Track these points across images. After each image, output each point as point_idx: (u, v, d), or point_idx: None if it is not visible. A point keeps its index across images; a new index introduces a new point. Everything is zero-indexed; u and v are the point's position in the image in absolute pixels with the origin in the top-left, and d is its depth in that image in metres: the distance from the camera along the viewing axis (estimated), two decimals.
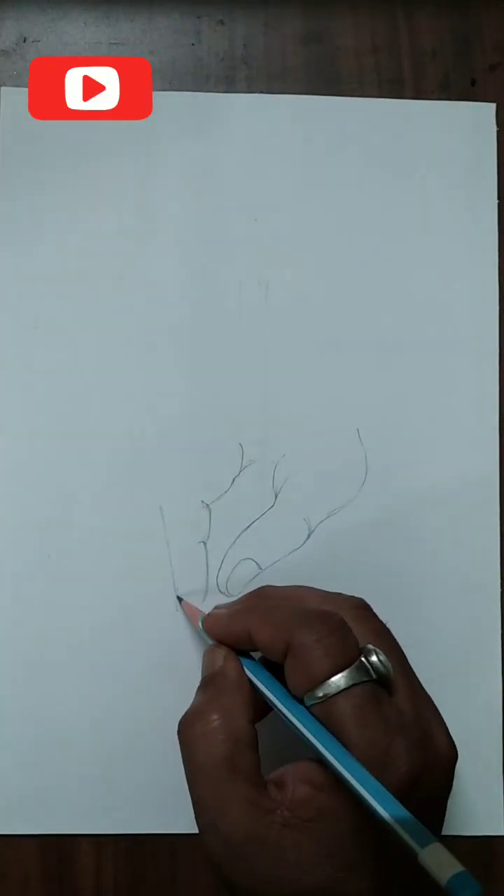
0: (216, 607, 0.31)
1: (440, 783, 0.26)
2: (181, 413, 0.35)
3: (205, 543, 0.34)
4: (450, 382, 0.36)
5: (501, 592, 0.35)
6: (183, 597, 0.34)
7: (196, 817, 0.26)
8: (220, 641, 0.29)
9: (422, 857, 0.20)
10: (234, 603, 0.30)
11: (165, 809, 0.33)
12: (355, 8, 0.37)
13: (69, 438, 0.34)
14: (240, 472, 0.35)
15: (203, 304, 0.35)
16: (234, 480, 0.35)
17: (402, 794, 0.23)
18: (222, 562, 0.34)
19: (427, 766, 0.25)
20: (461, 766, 0.34)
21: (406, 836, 0.21)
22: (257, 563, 0.34)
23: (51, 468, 0.34)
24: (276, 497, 0.35)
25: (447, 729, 0.27)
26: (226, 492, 0.35)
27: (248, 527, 0.34)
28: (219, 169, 0.36)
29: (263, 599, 0.29)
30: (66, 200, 0.35)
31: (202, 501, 0.34)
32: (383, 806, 0.22)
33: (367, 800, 0.22)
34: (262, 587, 0.30)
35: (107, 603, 0.34)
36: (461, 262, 0.36)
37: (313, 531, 0.35)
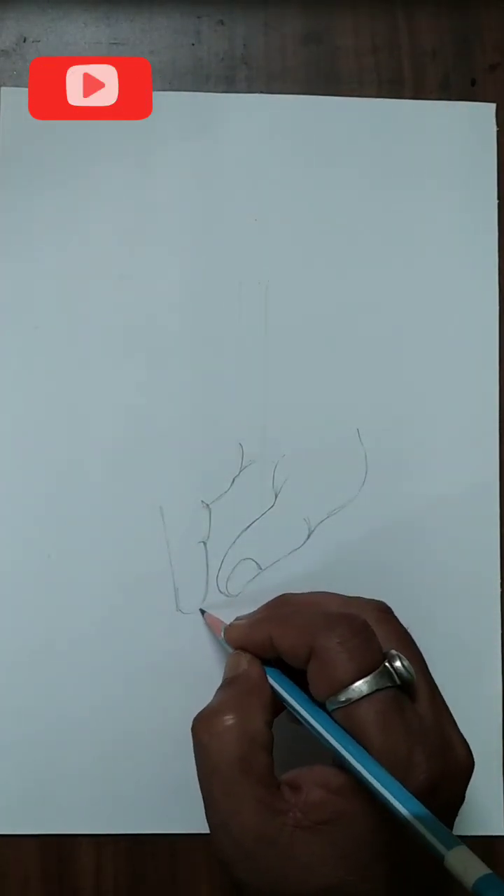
0: (237, 618, 0.31)
1: (457, 792, 0.26)
2: (181, 413, 0.35)
3: (205, 543, 0.34)
4: (450, 382, 0.36)
5: (501, 592, 0.35)
6: (205, 609, 0.34)
7: (207, 815, 0.26)
8: (243, 650, 0.29)
9: (448, 860, 0.21)
10: (254, 612, 0.30)
11: (166, 809, 0.33)
12: (355, 8, 0.37)
13: (69, 438, 0.34)
14: (240, 472, 0.35)
15: (203, 305, 0.35)
16: (234, 480, 0.35)
17: (423, 801, 0.23)
18: (222, 562, 0.34)
19: (445, 774, 0.25)
20: None
21: (432, 839, 0.21)
22: (257, 563, 0.34)
23: (50, 468, 0.34)
24: (276, 497, 0.35)
25: (464, 739, 0.27)
26: (226, 492, 0.35)
27: (248, 527, 0.34)
28: (219, 169, 0.36)
29: (283, 606, 0.29)
30: (66, 200, 0.36)
31: (202, 501, 0.35)
32: (408, 809, 0.22)
33: (391, 803, 0.22)
34: (282, 595, 0.30)
35: (107, 603, 0.34)
36: (461, 262, 0.36)
37: (313, 531, 0.35)
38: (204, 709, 0.27)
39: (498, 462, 0.35)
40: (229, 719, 0.26)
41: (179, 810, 0.33)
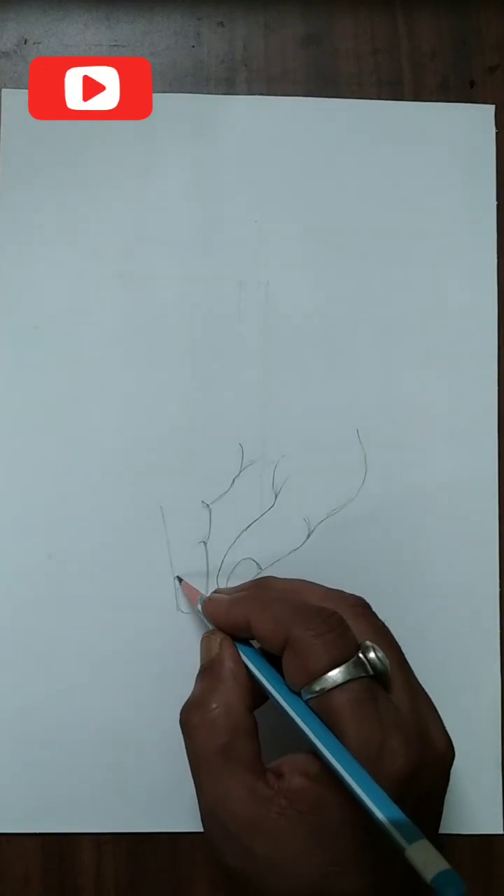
0: (216, 590, 0.31)
1: (437, 781, 0.26)
2: (181, 413, 0.35)
3: (205, 543, 0.34)
4: (449, 383, 0.36)
5: (501, 592, 0.35)
6: (183, 577, 0.34)
7: (198, 802, 0.27)
8: (219, 627, 0.29)
9: (408, 854, 0.21)
10: (235, 589, 0.30)
11: (166, 808, 0.33)
12: (355, 10, 0.37)
13: (69, 438, 0.35)
14: (240, 472, 0.35)
15: (203, 305, 0.35)
16: (234, 480, 0.35)
17: (398, 790, 0.23)
18: (222, 562, 0.34)
19: (423, 763, 0.25)
20: (460, 766, 0.34)
21: (393, 832, 0.21)
22: (257, 563, 0.34)
23: (51, 468, 0.34)
24: (276, 497, 0.35)
25: (444, 727, 0.27)
26: (226, 492, 0.35)
27: (248, 527, 0.35)
28: (219, 170, 0.36)
29: (265, 590, 0.29)
30: (67, 201, 0.36)
31: (202, 501, 0.35)
32: (372, 800, 0.22)
33: (356, 792, 0.22)
34: (264, 577, 0.30)
35: (107, 603, 0.34)
36: (460, 263, 0.36)
37: (313, 531, 0.35)
38: (187, 700, 0.28)
39: (497, 462, 0.36)
40: (211, 709, 0.27)
41: (180, 809, 0.33)
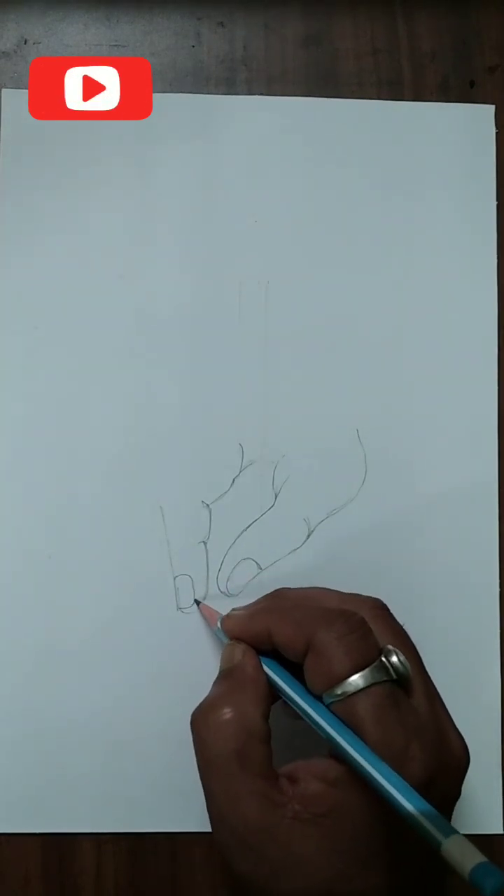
0: (234, 609, 0.31)
1: (453, 786, 0.26)
2: (181, 413, 0.35)
3: (205, 543, 0.34)
4: (449, 383, 0.36)
5: (501, 592, 0.35)
6: (201, 600, 0.34)
7: (207, 808, 0.26)
8: (239, 641, 0.29)
9: (445, 848, 0.21)
10: (252, 604, 0.30)
11: (166, 808, 0.33)
12: (355, 10, 0.37)
13: (69, 438, 0.35)
14: (240, 472, 0.35)
15: (203, 305, 0.35)
16: (234, 480, 0.35)
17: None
18: (222, 562, 0.34)
19: (442, 768, 0.25)
20: None
21: (430, 827, 0.21)
22: (257, 563, 0.34)
23: (51, 468, 0.34)
24: (276, 497, 0.35)
25: (460, 733, 0.27)
26: (226, 492, 0.35)
27: (248, 527, 0.35)
28: (219, 170, 0.36)
29: (282, 600, 0.29)
30: (67, 201, 0.36)
31: (202, 501, 0.35)
32: (406, 798, 0.22)
33: (389, 792, 0.23)
34: (279, 589, 0.30)
35: (107, 603, 0.34)
36: (460, 263, 0.36)
37: (313, 531, 0.35)
38: (201, 702, 0.28)
39: (497, 462, 0.36)
40: (226, 713, 0.26)
41: (180, 809, 0.33)
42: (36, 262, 0.35)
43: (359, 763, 0.24)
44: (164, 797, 0.33)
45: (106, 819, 0.33)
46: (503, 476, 0.36)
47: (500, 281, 0.36)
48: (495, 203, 0.37)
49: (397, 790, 0.22)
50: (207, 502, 0.35)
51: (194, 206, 0.36)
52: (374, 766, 0.23)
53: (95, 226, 0.36)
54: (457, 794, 0.26)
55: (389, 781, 0.23)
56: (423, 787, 0.24)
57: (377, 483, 0.35)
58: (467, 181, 0.37)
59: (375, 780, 0.23)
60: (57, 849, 0.33)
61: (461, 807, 0.34)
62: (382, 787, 0.23)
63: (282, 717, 0.28)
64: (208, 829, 0.33)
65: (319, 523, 0.35)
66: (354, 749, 0.24)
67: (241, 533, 0.34)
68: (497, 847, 0.34)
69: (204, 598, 0.34)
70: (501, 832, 0.34)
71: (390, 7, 0.37)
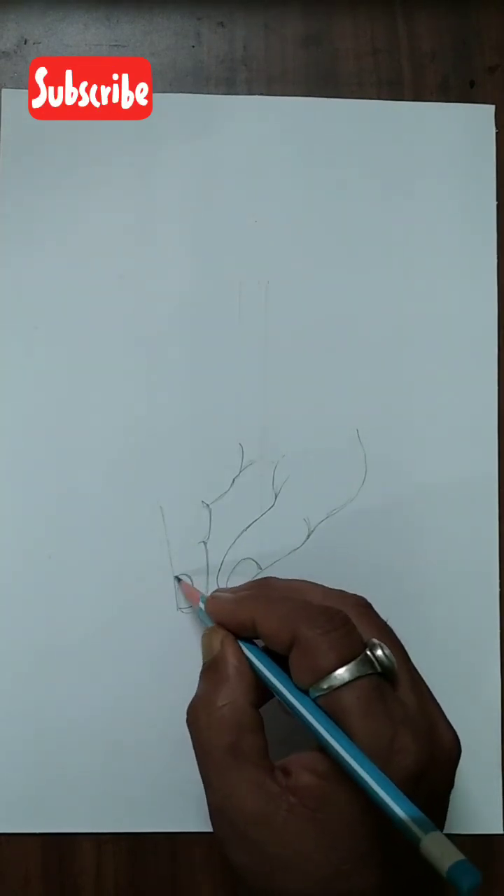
0: (217, 590, 0.31)
1: (444, 777, 0.26)
2: (181, 413, 0.35)
3: (205, 543, 0.34)
4: (449, 383, 0.36)
5: (501, 592, 0.35)
6: (181, 577, 0.34)
7: (207, 801, 0.27)
8: (224, 626, 0.29)
9: (423, 845, 0.21)
10: (237, 589, 0.30)
11: (166, 808, 0.33)
12: (355, 10, 0.37)
13: (69, 438, 0.35)
14: (240, 472, 0.35)
15: (203, 305, 0.35)
16: (234, 480, 0.35)
17: (409, 787, 0.23)
18: (222, 562, 0.34)
19: (432, 759, 0.25)
20: (460, 765, 0.34)
21: (408, 824, 0.21)
22: (257, 563, 0.34)
23: (51, 468, 0.34)
24: (276, 497, 0.35)
25: (450, 724, 0.27)
26: (226, 492, 0.35)
27: (248, 527, 0.35)
28: (219, 170, 0.36)
29: (268, 590, 0.29)
30: (67, 200, 0.36)
31: (202, 501, 0.35)
32: (386, 793, 0.22)
33: (369, 787, 0.22)
34: (266, 578, 0.30)
35: (107, 603, 0.34)
36: (460, 263, 0.36)
37: (313, 531, 0.35)
38: (192, 699, 0.28)
39: (497, 462, 0.36)
40: (217, 708, 0.27)
41: (180, 809, 0.33)
42: (36, 262, 0.35)
43: (340, 755, 0.24)
44: (164, 797, 0.33)
45: (106, 819, 0.33)
46: (503, 476, 0.36)
47: (500, 281, 0.36)
48: (495, 203, 0.37)
49: (377, 784, 0.22)
50: (207, 502, 0.35)
51: (194, 207, 0.36)
52: (354, 758, 0.23)
53: (95, 226, 0.36)
54: (449, 785, 0.26)
55: (369, 775, 0.23)
56: (413, 779, 0.24)
57: (377, 483, 0.35)
58: (467, 181, 0.37)
59: (356, 772, 0.23)
60: (57, 849, 0.33)
61: (461, 807, 0.34)
62: (363, 779, 0.23)
63: (278, 713, 0.28)
64: (208, 829, 0.33)
65: (319, 523, 0.35)
66: (336, 741, 0.24)
67: (241, 533, 0.34)
68: (497, 847, 0.34)
69: None
70: (501, 832, 0.34)
71: (390, 7, 0.37)
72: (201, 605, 0.31)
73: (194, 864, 0.33)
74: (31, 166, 0.36)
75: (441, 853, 0.20)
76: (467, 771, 0.34)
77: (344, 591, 0.29)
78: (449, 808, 0.34)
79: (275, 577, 0.30)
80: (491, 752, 0.34)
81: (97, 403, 0.35)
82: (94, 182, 0.36)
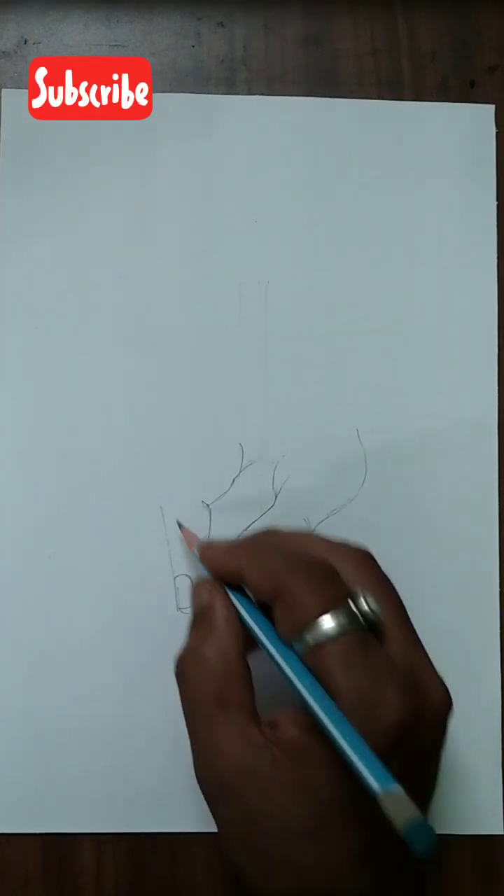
0: (215, 540, 0.31)
1: (433, 734, 0.26)
2: (181, 413, 0.35)
3: None
4: (449, 383, 0.36)
5: (501, 592, 0.35)
6: (183, 523, 0.34)
7: (192, 752, 0.27)
8: (214, 574, 0.29)
9: (380, 800, 0.21)
10: (234, 539, 0.30)
11: (166, 808, 0.33)
12: (355, 10, 0.37)
13: (69, 439, 0.35)
14: (240, 472, 0.35)
15: (203, 305, 0.35)
16: (234, 480, 0.35)
17: (393, 741, 0.23)
18: None
19: (419, 714, 0.25)
20: (460, 766, 0.34)
21: (368, 777, 0.21)
22: None
23: (51, 468, 0.34)
24: (276, 497, 0.35)
25: (442, 680, 0.26)
26: (226, 492, 0.35)
27: (249, 527, 0.34)
28: (219, 170, 0.36)
29: (260, 540, 0.29)
30: (66, 200, 0.36)
31: (202, 501, 0.35)
32: (350, 746, 0.22)
33: (334, 737, 0.22)
34: (268, 527, 0.30)
35: (107, 603, 0.34)
36: (460, 263, 0.36)
37: (313, 531, 0.35)
38: (180, 650, 0.28)
39: (497, 463, 0.36)
40: (204, 657, 0.27)
41: (180, 809, 0.33)
42: (36, 262, 0.35)
43: (311, 707, 0.23)
44: (164, 797, 0.33)
45: (106, 819, 0.33)
46: (503, 476, 0.36)
47: (500, 281, 0.36)
48: (495, 203, 0.37)
49: (343, 737, 0.22)
50: (207, 502, 0.35)
51: (194, 207, 0.36)
52: (324, 711, 0.23)
53: (95, 226, 0.36)
54: (439, 742, 0.26)
55: (336, 728, 0.22)
56: (396, 734, 0.24)
57: (377, 483, 0.35)
58: (467, 181, 0.37)
59: (325, 724, 0.23)
60: (57, 849, 0.33)
61: (461, 807, 0.34)
62: (330, 732, 0.23)
63: (267, 665, 0.28)
64: (208, 829, 0.33)
65: (319, 523, 0.35)
66: (309, 694, 0.24)
67: (241, 533, 0.34)
68: (497, 847, 0.34)
69: None
70: (501, 832, 0.34)
71: (390, 7, 0.37)
72: (196, 550, 0.31)
73: (194, 864, 0.33)
74: (31, 166, 0.36)
75: (397, 810, 0.20)
76: (468, 772, 0.34)
77: (347, 543, 0.28)
78: (449, 809, 0.34)
79: (279, 529, 0.30)
80: (491, 752, 0.34)
81: (97, 403, 0.35)
82: (94, 182, 0.36)
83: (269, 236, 0.36)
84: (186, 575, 0.34)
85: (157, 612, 0.34)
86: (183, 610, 0.34)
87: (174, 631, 0.34)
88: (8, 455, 0.34)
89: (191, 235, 0.36)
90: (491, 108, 0.37)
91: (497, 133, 0.37)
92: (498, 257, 0.36)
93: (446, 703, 0.26)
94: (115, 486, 0.34)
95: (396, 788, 0.21)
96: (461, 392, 0.36)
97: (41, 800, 0.33)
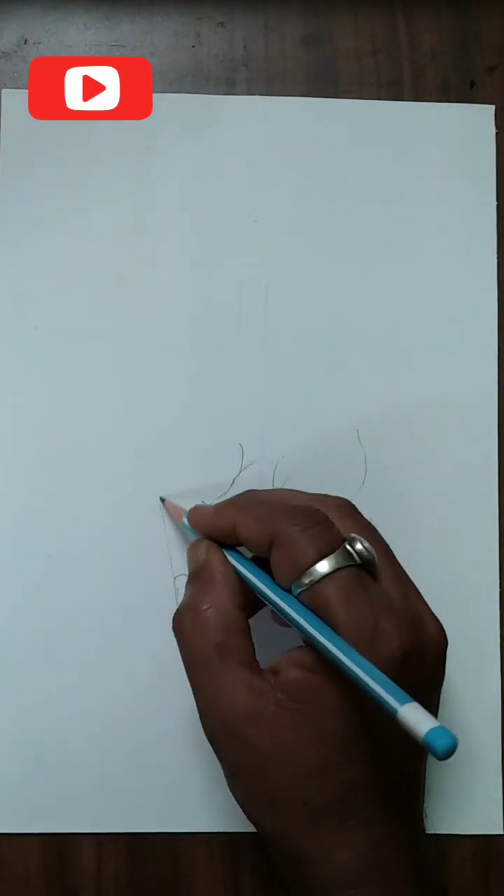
0: (200, 503, 0.31)
1: (431, 668, 0.26)
2: (181, 413, 0.35)
3: None
4: (449, 383, 0.36)
5: (501, 592, 0.35)
6: (166, 498, 0.34)
7: (196, 704, 0.27)
8: (206, 535, 0.30)
9: (400, 714, 0.21)
10: (219, 501, 0.30)
11: (166, 808, 0.33)
12: (355, 10, 0.37)
13: (69, 439, 0.35)
14: (240, 472, 0.35)
15: (203, 305, 0.35)
16: (234, 480, 0.35)
17: (393, 671, 0.24)
18: None
19: (418, 646, 0.25)
20: (460, 766, 0.34)
21: (385, 696, 0.22)
22: None
23: (51, 468, 0.34)
24: None
25: (436, 617, 0.27)
26: (226, 492, 0.35)
27: None
28: (218, 170, 0.36)
29: (248, 496, 0.30)
30: (67, 201, 0.36)
31: (202, 501, 0.35)
32: (364, 672, 0.23)
33: (349, 668, 0.23)
34: (249, 490, 0.31)
35: (107, 603, 0.34)
36: (460, 263, 0.36)
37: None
38: (178, 606, 0.28)
39: (497, 463, 0.36)
40: (202, 611, 0.27)
41: (180, 809, 0.33)
42: (36, 262, 0.35)
43: (320, 642, 0.24)
44: (164, 797, 0.33)
45: (106, 819, 0.33)
46: (503, 477, 0.36)
47: (500, 281, 0.36)
48: (495, 203, 0.37)
49: (356, 665, 0.23)
50: (207, 502, 0.35)
51: (194, 206, 0.36)
52: (334, 645, 0.24)
53: (95, 226, 0.36)
54: (438, 674, 0.27)
55: (348, 657, 0.23)
56: (397, 664, 0.24)
57: (377, 483, 0.35)
58: (467, 181, 0.37)
59: (336, 657, 0.23)
60: (57, 849, 0.33)
61: (461, 807, 0.34)
62: (343, 663, 0.23)
63: (268, 622, 0.28)
64: (208, 829, 0.33)
65: None
66: (316, 630, 0.24)
67: None
68: (497, 847, 0.34)
69: None
70: (501, 832, 0.34)
71: (390, 7, 0.37)
72: (185, 519, 0.31)
73: (194, 864, 0.33)
74: (31, 166, 0.36)
75: (417, 721, 0.21)
76: (467, 771, 0.34)
77: (326, 494, 0.29)
78: (449, 809, 0.34)
79: (257, 489, 0.31)
80: (491, 752, 0.34)
81: (97, 403, 0.35)
82: (94, 182, 0.36)
83: (269, 236, 0.36)
84: (186, 575, 0.34)
85: (157, 612, 0.34)
86: None
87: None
88: (8, 455, 0.34)
89: (191, 235, 0.36)
90: (491, 108, 0.37)
91: (497, 133, 0.37)
92: (498, 257, 0.36)
93: (443, 638, 0.27)
94: (115, 486, 0.34)
95: (413, 703, 0.21)
96: (461, 391, 0.36)
97: (41, 800, 0.33)
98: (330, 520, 0.27)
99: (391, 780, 0.25)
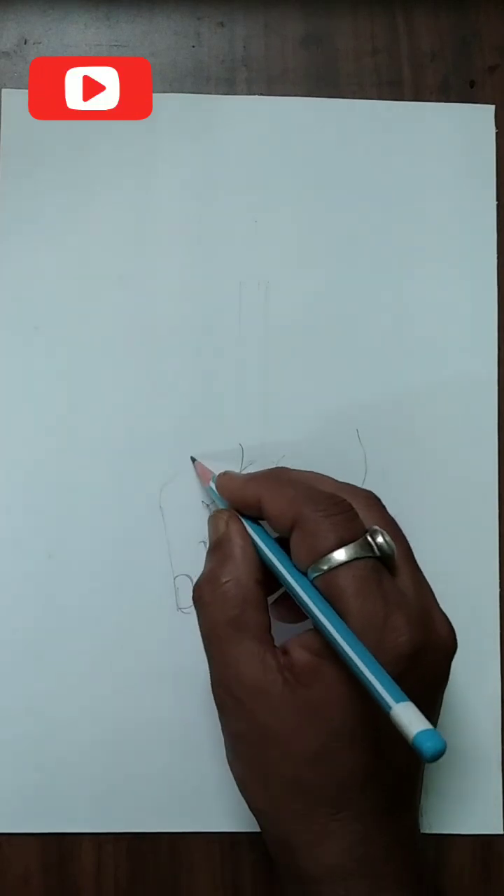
0: (229, 471, 0.32)
1: (439, 667, 0.27)
2: (181, 414, 0.35)
3: (205, 543, 0.34)
4: (449, 383, 0.36)
5: (501, 592, 0.35)
6: (197, 458, 0.34)
7: (210, 673, 0.28)
8: (231, 503, 0.30)
9: (393, 713, 0.21)
10: (249, 473, 0.31)
11: (166, 808, 0.33)
12: (355, 10, 0.37)
13: (69, 439, 0.35)
14: (240, 471, 0.35)
15: (203, 305, 0.35)
16: None
17: (400, 666, 0.24)
18: None
19: (426, 643, 0.25)
20: (460, 766, 0.34)
21: (381, 692, 0.22)
22: None
23: (51, 468, 0.34)
24: None
25: (447, 618, 0.27)
26: None
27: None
28: (219, 170, 0.36)
29: (278, 473, 0.30)
30: (67, 201, 0.36)
31: (202, 501, 0.35)
32: (364, 664, 0.23)
33: (350, 656, 0.23)
34: (279, 467, 0.31)
35: (107, 602, 0.34)
36: (460, 263, 0.36)
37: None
38: (199, 576, 0.29)
39: (497, 463, 0.36)
40: (221, 584, 0.27)
41: (180, 809, 0.33)
42: (36, 262, 0.35)
43: (326, 629, 0.24)
44: (164, 797, 0.33)
45: (106, 819, 0.33)
46: (503, 477, 0.36)
47: (500, 281, 0.36)
48: (495, 203, 0.37)
49: (358, 656, 0.23)
50: (207, 503, 0.35)
51: (194, 206, 0.36)
52: (339, 633, 0.24)
53: (95, 226, 0.36)
54: (443, 676, 0.27)
55: (352, 647, 0.23)
56: (404, 660, 0.24)
57: (377, 483, 0.35)
58: (467, 181, 0.37)
59: (340, 646, 0.24)
60: (57, 849, 0.33)
61: (461, 807, 0.34)
62: (345, 652, 0.23)
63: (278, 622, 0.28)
64: (208, 829, 0.33)
65: None
66: (324, 616, 0.25)
67: None
68: (497, 847, 0.34)
69: None
70: (501, 832, 0.34)
71: (390, 7, 0.37)
72: (212, 484, 0.31)
73: (194, 864, 0.33)
74: (31, 166, 0.36)
75: (409, 721, 0.21)
76: (467, 771, 0.34)
77: (354, 485, 0.29)
78: (449, 809, 0.34)
79: (289, 468, 0.31)
80: (491, 752, 0.34)
81: (97, 403, 0.35)
82: (94, 182, 0.36)
83: (269, 236, 0.36)
84: (186, 575, 0.34)
85: (157, 612, 0.34)
86: (183, 610, 0.34)
87: (174, 631, 0.34)
88: (8, 455, 0.34)
89: (191, 235, 0.36)
90: (491, 108, 0.37)
91: (497, 133, 0.37)
92: (498, 257, 0.36)
93: (452, 640, 0.27)
94: (115, 486, 0.34)
95: (408, 702, 0.21)
96: (461, 392, 0.36)
97: (41, 800, 0.33)
98: (354, 510, 0.27)
99: (389, 774, 0.25)
